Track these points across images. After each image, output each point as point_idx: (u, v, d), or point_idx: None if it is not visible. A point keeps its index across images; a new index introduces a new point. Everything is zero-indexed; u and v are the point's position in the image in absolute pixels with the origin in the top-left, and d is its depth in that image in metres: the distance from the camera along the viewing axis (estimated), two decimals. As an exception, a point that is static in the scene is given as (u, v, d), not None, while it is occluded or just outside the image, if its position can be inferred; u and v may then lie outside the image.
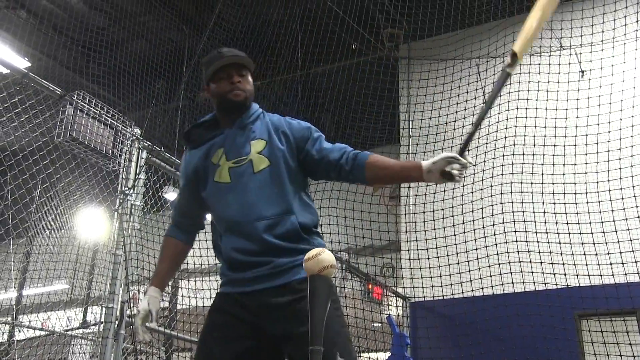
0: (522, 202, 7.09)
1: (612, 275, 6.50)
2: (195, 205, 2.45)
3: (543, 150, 7.42)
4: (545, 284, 6.78)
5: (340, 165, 2.28)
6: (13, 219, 5.43)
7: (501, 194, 7.25)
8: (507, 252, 7.01)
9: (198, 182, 2.39)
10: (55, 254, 8.53)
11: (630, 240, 6.58)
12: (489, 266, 7.01)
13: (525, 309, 6.84)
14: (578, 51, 7.94)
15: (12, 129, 4.74)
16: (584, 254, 6.67)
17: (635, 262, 6.51)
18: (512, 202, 7.10)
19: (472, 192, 7.50)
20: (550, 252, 6.85)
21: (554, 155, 7.28)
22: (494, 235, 7.08)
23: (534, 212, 7.05)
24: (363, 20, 8.73)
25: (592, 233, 6.71)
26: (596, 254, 6.65)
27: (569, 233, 6.77)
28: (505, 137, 7.71)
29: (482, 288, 7.04)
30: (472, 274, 7.03)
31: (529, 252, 6.85)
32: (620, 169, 6.96)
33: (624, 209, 6.78)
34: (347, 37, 8.75)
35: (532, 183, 7.15)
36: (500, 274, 6.96)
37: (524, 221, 7.07)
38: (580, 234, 6.74)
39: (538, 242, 6.84)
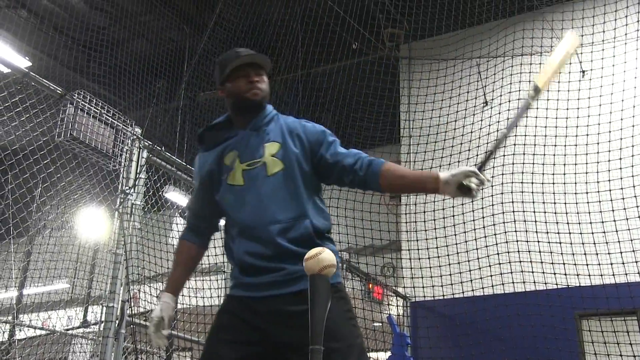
0: (522, 201, 7.08)
1: (613, 275, 6.50)
2: (209, 207, 2.40)
3: (544, 150, 7.41)
4: (545, 283, 6.78)
5: (354, 171, 2.25)
6: (14, 218, 5.43)
7: (502, 193, 7.25)
8: (508, 252, 7.01)
9: (212, 184, 2.36)
10: (56, 253, 8.54)
11: (631, 240, 6.58)
12: (490, 266, 7.01)
13: (525, 308, 6.84)
14: (579, 51, 7.93)
15: (13, 128, 4.74)
16: (585, 254, 6.67)
17: (636, 261, 6.51)
18: (512, 202, 7.10)
19: (472, 192, 7.48)
20: (551, 252, 6.85)
21: (554, 155, 7.28)
22: (495, 235, 7.08)
23: (534, 211, 7.05)
24: (364, 20, 8.73)
25: (592, 233, 6.71)
26: (597, 254, 6.65)
27: (570, 233, 6.77)
28: (506, 137, 7.69)
29: (483, 288, 7.04)
30: (473, 274, 7.03)
31: (529, 251, 6.85)
32: (620, 168, 6.96)
33: (624, 208, 6.78)
34: (348, 36, 8.76)
35: (532, 183, 7.15)
36: (501, 274, 6.96)
37: (525, 221, 7.07)
38: (580, 233, 6.74)
39: (538, 241, 6.84)
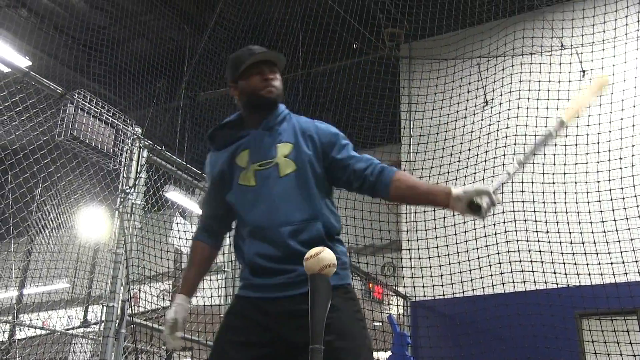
0: (522, 201, 7.08)
1: (613, 274, 6.50)
2: (221, 207, 2.37)
3: (544, 150, 7.40)
4: (546, 283, 6.78)
5: (364, 176, 2.22)
6: (14, 218, 5.43)
7: (502, 193, 7.21)
8: (508, 252, 7.01)
9: (223, 185, 2.33)
10: (56, 252, 8.54)
11: (631, 240, 6.59)
12: (490, 265, 7.02)
13: (525, 308, 6.84)
14: (579, 51, 7.94)
15: (13, 127, 4.74)
16: (585, 253, 6.67)
17: (636, 261, 6.51)
18: (512, 202, 7.10)
19: (472, 192, 7.49)
20: (551, 252, 6.85)
21: (554, 154, 7.28)
22: (495, 234, 7.07)
23: (534, 211, 7.05)
24: (364, 20, 8.72)
25: (592, 232, 6.71)
26: (597, 253, 6.65)
27: (570, 232, 6.76)
28: (507, 137, 7.71)
29: (483, 287, 7.05)
30: (473, 273, 7.03)
31: (529, 251, 6.85)
32: (621, 168, 6.96)
33: (624, 208, 6.78)
34: (348, 36, 8.75)
35: (532, 182, 7.14)
36: (501, 273, 6.96)
37: (525, 220, 7.07)
38: (581, 233, 6.74)
39: (539, 241, 6.84)
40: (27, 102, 4.37)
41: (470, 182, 7.58)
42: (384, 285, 8.49)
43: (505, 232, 7.04)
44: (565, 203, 7.05)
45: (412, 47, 9.53)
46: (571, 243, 6.74)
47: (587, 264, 6.59)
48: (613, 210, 6.81)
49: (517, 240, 6.98)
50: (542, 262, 6.84)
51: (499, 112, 7.99)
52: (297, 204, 2.18)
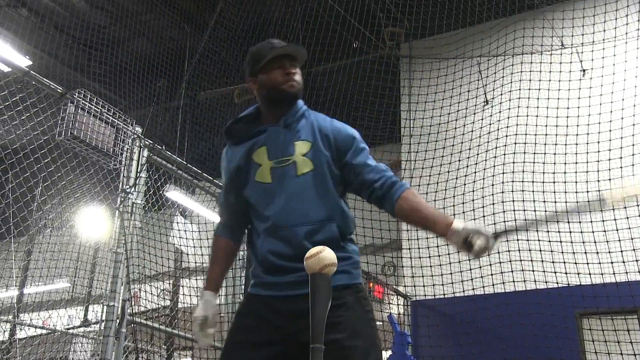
0: (523, 200, 7.08)
1: (613, 273, 6.50)
2: (239, 202, 2.34)
3: (544, 149, 7.41)
4: (546, 282, 6.78)
5: (373, 188, 2.21)
6: (14, 217, 5.44)
7: (502, 192, 7.24)
8: (508, 251, 7.01)
9: (240, 180, 2.31)
10: (57, 252, 8.55)
11: (632, 239, 6.58)
12: (490, 265, 7.01)
13: (526, 307, 6.84)
14: (579, 50, 7.94)
15: (13, 127, 4.74)
16: (585, 253, 6.66)
17: (636, 260, 6.51)
18: (513, 201, 7.10)
19: (473, 191, 7.50)
20: (551, 251, 6.84)
21: (554, 153, 7.28)
22: (495, 234, 7.06)
23: (534, 210, 7.04)
24: (364, 19, 8.72)
25: (593, 231, 6.70)
26: (597, 253, 6.65)
27: (570, 231, 6.76)
28: (507, 136, 7.71)
29: (483, 287, 7.04)
30: (473, 273, 7.03)
31: (530, 250, 6.85)
32: (621, 167, 6.96)
33: (625, 207, 6.77)
34: (349, 35, 8.75)
35: (533, 182, 7.14)
36: (502, 273, 6.95)
37: (525, 220, 7.06)
38: (581, 232, 6.73)
39: (539, 240, 6.84)
40: (28, 102, 4.37)
41: (470, 180, 7.58)
42: (384, 284, 8.49)
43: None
44: (566, 202, 7.04)
45: (412, 47, 9.53)
46: (571, 242, 6.73)
47: (588, 263, 6.59)
48: (613, 209, 6.80)
49: (518, 240, 6.97)
50: (542, 261, 6.83)
51: (499, 112, 7.98)
52: (313, 204, 2.17)
